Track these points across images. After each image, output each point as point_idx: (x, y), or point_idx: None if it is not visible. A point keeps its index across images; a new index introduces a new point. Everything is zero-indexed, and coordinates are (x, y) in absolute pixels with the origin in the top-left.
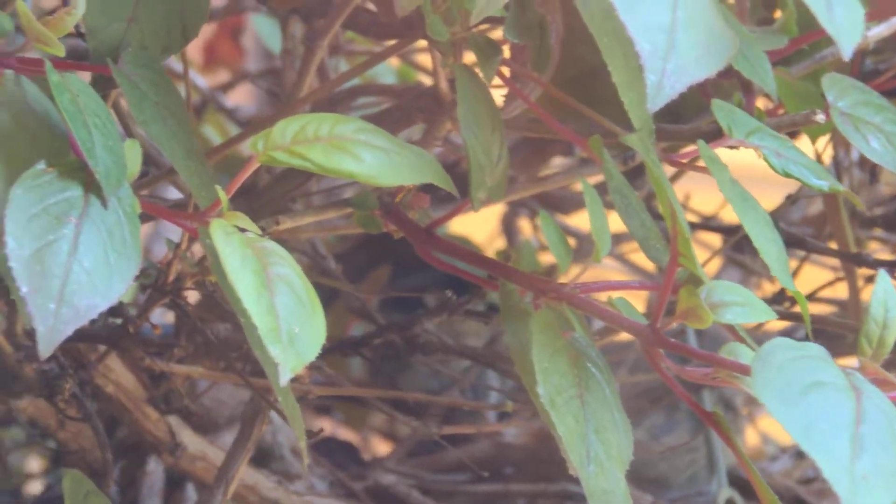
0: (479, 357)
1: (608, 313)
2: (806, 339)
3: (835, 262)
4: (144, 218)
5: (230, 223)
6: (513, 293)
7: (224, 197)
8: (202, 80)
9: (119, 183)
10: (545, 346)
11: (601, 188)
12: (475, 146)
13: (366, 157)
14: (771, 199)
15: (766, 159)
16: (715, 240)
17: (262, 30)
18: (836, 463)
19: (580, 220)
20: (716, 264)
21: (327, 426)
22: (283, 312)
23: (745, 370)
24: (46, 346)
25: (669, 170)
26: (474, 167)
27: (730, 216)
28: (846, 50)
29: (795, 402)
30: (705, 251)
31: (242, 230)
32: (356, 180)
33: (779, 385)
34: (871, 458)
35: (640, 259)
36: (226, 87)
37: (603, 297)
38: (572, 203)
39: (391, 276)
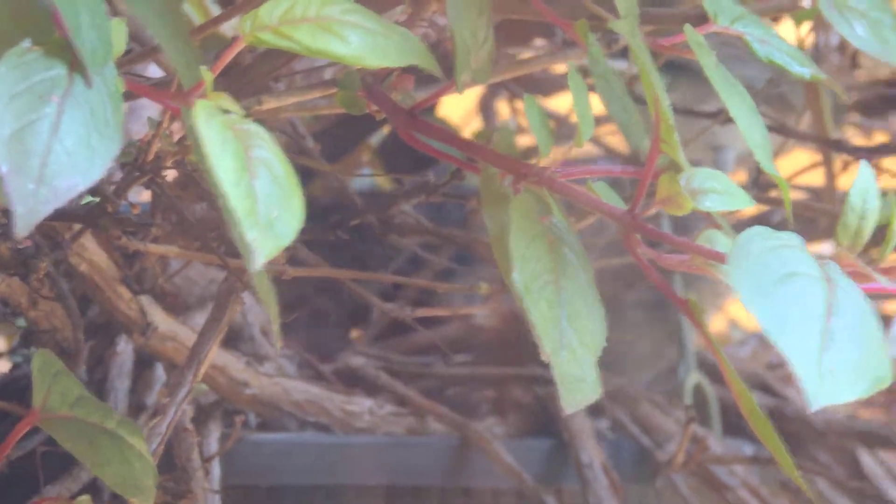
0: (453, 239)
1: (587, 198)
2: (782, 224)
3: (811, 147)
4: (126, 96)
5: (213, 104)
6: (493, 177)
7: (209, 77)
8: None
9: (104, 62)
10: (523, 231)
11: (582, 71)
12: (461, 28)
13: (352, 38)
14: None
15: (749, 46)
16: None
17: None
18: (803, 355)
19: (559, 103)
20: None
21: None
22: (262, 196)
23: (720, 258)
24: (24, 226)
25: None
26: (460, 49)
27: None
28: None
29: (768, 293)
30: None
31: (225, 111)
32: (342, 62)
33: (753, 275)
34: (840, 352)
35: (617, 142)
36: None
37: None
38: (552, 85)
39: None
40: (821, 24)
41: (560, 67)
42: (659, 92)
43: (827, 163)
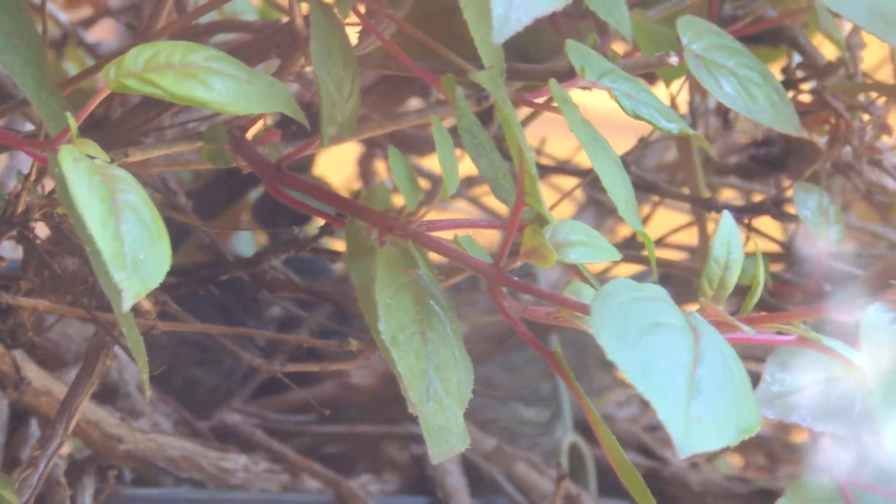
0: (325, 296)
1: (453, 251)
2: (654, 283)
3: (689, 207)
4: None
5: (79, 150)
6: (359, 230)
7: (74, 124)
8: (63, 15)
9: None
10: (389, 282)
11: (454, 130)
12: (327, 81)
13: (217, 84)
14: (626, 145)
15: (617, 101)
16: (570, 184)
17: None
18: (671, 403)
19: (436, 163)
20: (570, 209)
21: None
22: (129, 238)
23: (587, 310)
24: None
25: (525, 111)
26: (326, 102)
27: (585, 160)
28: None
29: (633, 343)
30: (559, 195)
31: (92, 158)
32: (207, 108)
33: (617, 325)
34: (707, 400)
35: (494, 202)
36: (87, 23)
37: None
38: (428, 145)
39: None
40: (697, 85)
41: None
42: (522, 144)
43: (700, 222)
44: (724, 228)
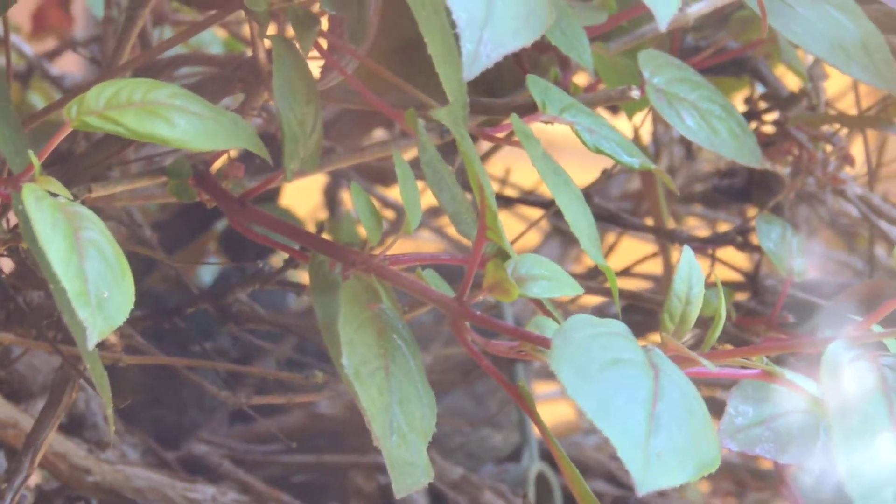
0: (291, 328)
1: (416, 285)
2: (618, 314)
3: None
4: None
5: (42, 188)
6: (322, 264)
7: (36, 162)
8: (28, 47)
9: None
10: (352, 317)
11: (418, 161)
12: (289, 117)
13: (179, 121)
14: (591, 171)
15: (578, 135)
16: (536, 213)
17: None
18: (630, 440)
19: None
20: (536, 238)
21: None
22: (93, 276)
23: (548, 344)
24: None
25: (489, 144)
26: (288, 137)
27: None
28: (662, 20)
29: (592, 379)
30: (525, 224)
31: (55, 195)
32: (170, 145)
33: (577, 361)
34: (667, 436)
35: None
36: (52, 55)
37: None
38: (393, 175)
39: None
40: (659, 116)
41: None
42: (483, 180)
43: (664, 253)
44: (685, 263)
